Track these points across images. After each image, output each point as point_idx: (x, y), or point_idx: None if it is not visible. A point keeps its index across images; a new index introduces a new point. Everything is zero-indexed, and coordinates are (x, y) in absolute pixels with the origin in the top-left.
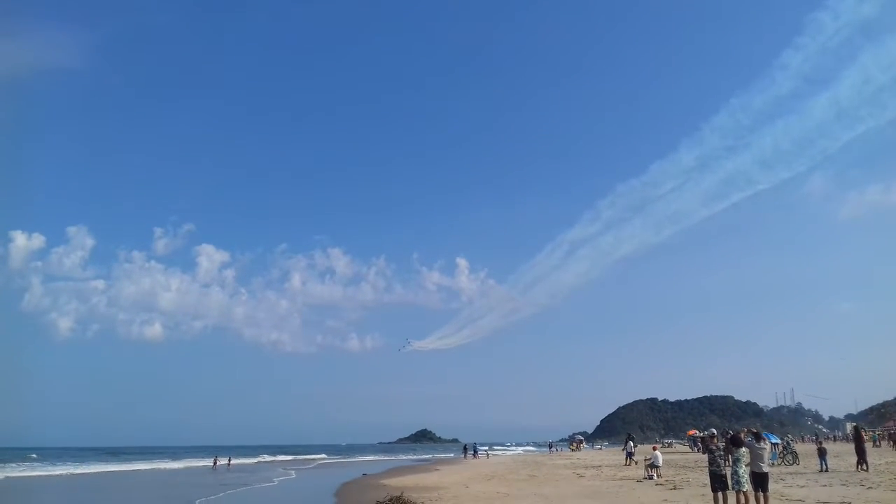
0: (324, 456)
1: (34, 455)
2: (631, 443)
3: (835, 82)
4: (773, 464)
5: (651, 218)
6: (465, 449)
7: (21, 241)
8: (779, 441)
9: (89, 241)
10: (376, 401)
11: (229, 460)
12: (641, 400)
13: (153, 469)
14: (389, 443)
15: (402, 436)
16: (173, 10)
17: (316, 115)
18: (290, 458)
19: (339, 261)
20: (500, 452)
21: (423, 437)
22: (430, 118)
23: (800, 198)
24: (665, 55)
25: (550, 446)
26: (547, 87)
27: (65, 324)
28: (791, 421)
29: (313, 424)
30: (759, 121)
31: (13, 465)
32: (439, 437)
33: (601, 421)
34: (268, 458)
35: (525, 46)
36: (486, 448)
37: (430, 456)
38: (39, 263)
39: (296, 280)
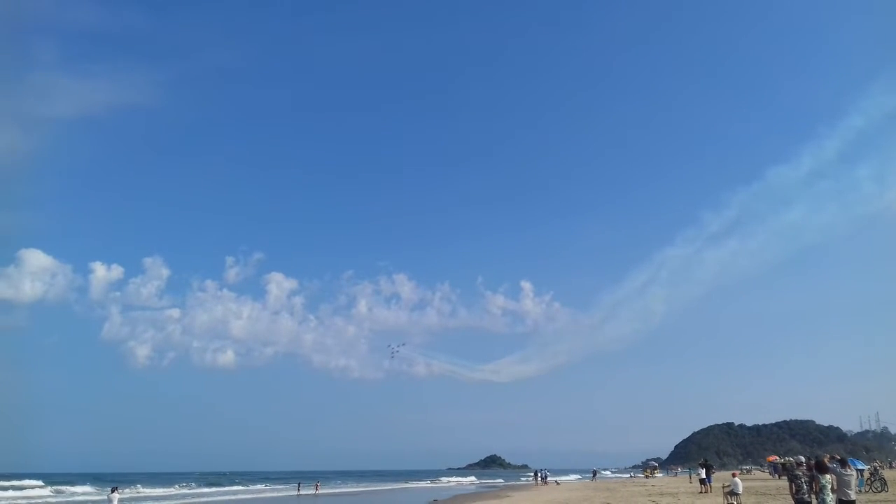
0: (389, 484)
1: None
2: (703, 469)
3: None
4: (860, 491)
5: (751, 239)
6: (535, 475)
7: (101, 272)
8: (865, 467)
9: (165, 271)
10: (444, 426)
11: (299, 486)
12: (717, 425)
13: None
14: (459, 468)
15: (471, 461)
16: (241, 48)
17: (383, 145)
18: (358, 489)
19: (405, 286)
20: (572, 479)
21: (492, 463)
22: (497, 140)
23: (879, 209)
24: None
25: (595, 474)
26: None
27: (142, 352)
28: (877, 446)
29: (382, 449)
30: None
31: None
32: (509, 463)
33: (675, 446)
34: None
35: (607, 48)
36: (549, 474)
37: (500, 481)
38: (118, 293)
39: (362, 306)
